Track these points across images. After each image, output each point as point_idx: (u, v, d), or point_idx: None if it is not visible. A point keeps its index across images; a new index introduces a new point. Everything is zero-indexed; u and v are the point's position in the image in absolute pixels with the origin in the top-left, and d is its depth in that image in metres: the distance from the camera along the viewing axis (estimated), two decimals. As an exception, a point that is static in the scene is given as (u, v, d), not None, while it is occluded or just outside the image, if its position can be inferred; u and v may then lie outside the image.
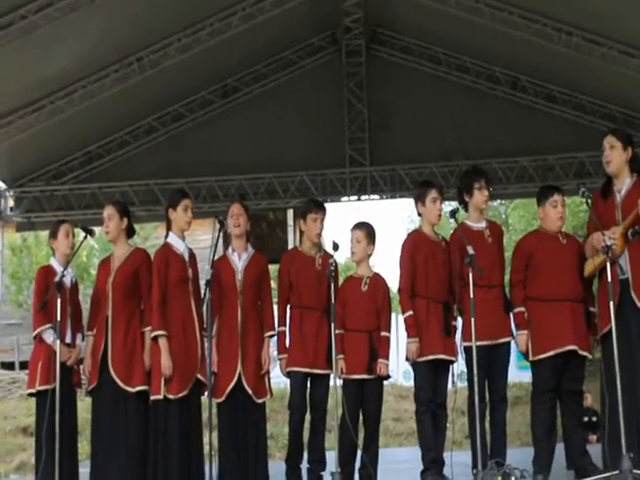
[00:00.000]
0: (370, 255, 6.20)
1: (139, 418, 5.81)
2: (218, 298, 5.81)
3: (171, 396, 5.66)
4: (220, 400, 5.76)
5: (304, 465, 5.96)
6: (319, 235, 6.22)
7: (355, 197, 11.13)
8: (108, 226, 6.08)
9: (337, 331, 5.62)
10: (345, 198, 11.14)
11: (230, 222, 6.02)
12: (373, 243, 6.12)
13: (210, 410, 5.44)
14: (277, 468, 6.03)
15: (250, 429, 5.87)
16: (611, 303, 5.22)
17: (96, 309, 6.02)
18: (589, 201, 5.53)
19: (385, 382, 6.08)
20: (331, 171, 10.95)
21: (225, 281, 5.93)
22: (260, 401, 5.93)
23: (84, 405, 6.12)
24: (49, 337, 5.89)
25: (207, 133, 11.04)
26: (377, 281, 6.09)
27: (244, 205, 6.21)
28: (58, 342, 5.65)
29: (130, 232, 6.23)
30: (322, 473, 5.91)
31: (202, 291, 5.76)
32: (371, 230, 6.11)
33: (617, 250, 5.32)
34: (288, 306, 6.13)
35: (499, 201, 23.48)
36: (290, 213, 11.85)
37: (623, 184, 5.50)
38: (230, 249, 6.10)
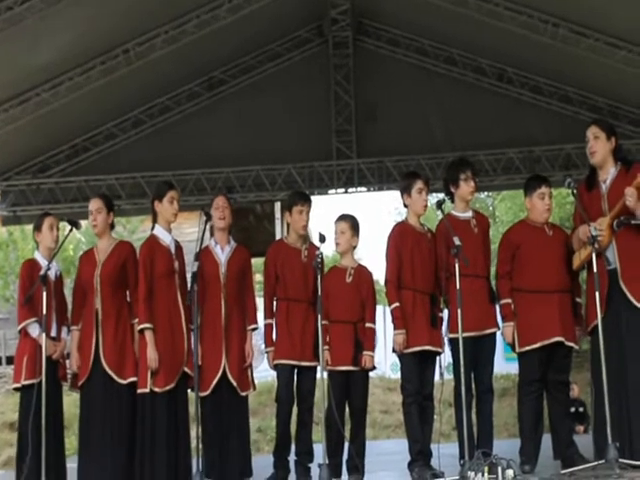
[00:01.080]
0: (355, 247, 6.20)
1: (130, 410, 5.81)
2: (201, 291, 5.78)
3: (157, 389, 5.67)
4: (205, 394, 5.74)
5: (292, 457, 5.96)
6: (305, 227, 6.21)
7: (342, 189, 11.12)
8: (96, 219, 6.06)
9: (322, 322, 5.60)
10: (332, 190, 11.13)
11: (215, 214, 6.01)
12: (357, 235, 6.12)
13: (197, 403, 5.44)
14: (265, 461, 6.04)
15: (234, 422, 5.86)
16: (597, 294, 5.24)
17: (81, 302, 6.01)
18: (575, 192, 5.54)
19: (372, 375, 6.08)
20: (318, 163, 10.94)
21: (208, 274, 5.90)
22: (244, 394, 5.93)
23: (70, 400, 6.10)
24: (34, 331, 5.88)
25: (194, 125, 11.00)
26: (361, 272, 6.09)
27: (228, 198, 6.20)
28: (44, 336, 5.63)
29: (112, 225, 6.21)
30: (310, 465, 5.91)
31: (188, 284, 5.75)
32: (355, 222, 6.11)
33: (604, 241, 5.33)
34: (274, 298, 6.11)
35: (486, 193, 23.49)
36: (277, 206, 11.85)
37: (608, 174, 5.51)
38: (212, 242, 6.09)
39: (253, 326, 6.02)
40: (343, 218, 6.11)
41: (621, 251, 5.38)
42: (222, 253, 6.04)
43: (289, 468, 5.93)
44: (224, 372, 5.83)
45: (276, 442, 6.01)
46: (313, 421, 6.04)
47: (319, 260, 5.63)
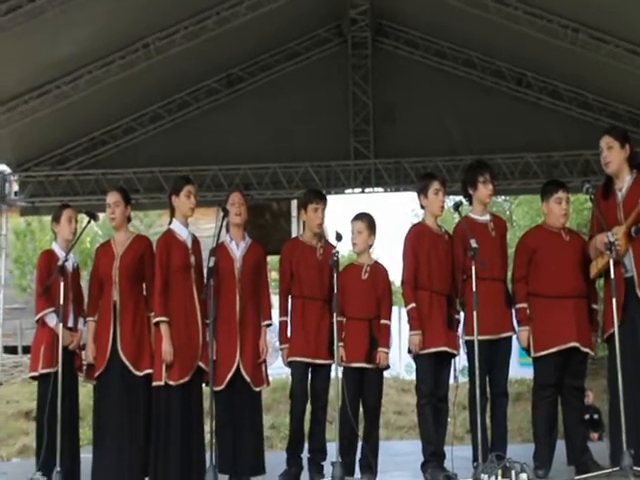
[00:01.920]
0: (371, 245, 6.19)
1: (146, 403, 5.83)
2: (217, 286, 5.78)
3: (172, 382, 5.67)
4: (219, 388, 5.75)
5: (305, 455, 5.96)
6: (320, 225, 6.20)
7: (359, 189, 11.15)
8: (114, 212, 6.08)
9: (338, 318, 5.59)
10: (349, 190, 11.16)
11: (231, 210, 6.00)
12: (374, 233, 6.11)
13: (212, 398, 5.45)
14: (279, 458, 6.03)
15: (247, 418, 5.86)
16: (614, 301, 5.22)
17: (97, 294, 6.02)
18: (593, 198, 5.52)
19: (387, 375, 6.07)
20: (336, 163, 10.97)
21: (223, 269, 5.90)
22: (257, 389, 5.92)
23: (85, 391, 6.12)
24: (52, 320, 5.91)
25: (212, 122, 11.06)
26: (377, 269, 6.08)
27: (244, 195, 6.21)
28: (60, 326, 5.64)
29: (129, 219, 6.24)
30: (323, 463, 5.90)
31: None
32: (371, 220, 6.09)
33: (621, 250, 5.31)
34: (289, 296, 6.12)
35: (503, 197, 23.45)
36: (294, 204, 11.87)
37: (623, 182, 5.49)
38: (228, 238, 6.08)
39: (268, 322, 6.02)
40: (359, 218, 6.10)
41: (638, 259, 5.36)
42: (237, 249, 6.05)
43: (302, 465, 5.92)
44: (238, 367, 5.84)
45: (289, 439, 6.01)
46: (327, 419, 6.03)
47: (335, 259, 5.61)
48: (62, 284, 5.65)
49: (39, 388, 5.94)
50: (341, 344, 5.76)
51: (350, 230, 6.08)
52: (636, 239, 5.33)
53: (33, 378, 5.99)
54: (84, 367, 6.08)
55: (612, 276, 5.24)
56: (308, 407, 5.98)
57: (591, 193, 5.49)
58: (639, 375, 5.24)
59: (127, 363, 5.83)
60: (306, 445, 5.99)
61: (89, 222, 6.11)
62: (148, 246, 6.10)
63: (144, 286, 6.06)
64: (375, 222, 6.12)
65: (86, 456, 5.97)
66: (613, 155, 5.49)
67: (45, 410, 5.63)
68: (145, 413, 5.82)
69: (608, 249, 5.23)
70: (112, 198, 6.12)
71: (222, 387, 5.77)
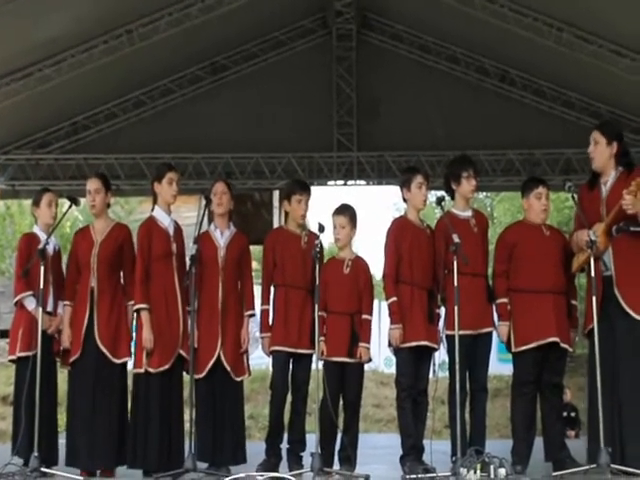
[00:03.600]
0: (352, 238, 6.19)
1: (121, 390, 5.86)
2: (199, 274, 5.77)
3: (152, 369, 5.67)
4: (199, 377, 5.73)
5: (284, 445, 5.96)
6: (304, 216, 6.19)
7: (342, 182, 11.15)
8: (94, 200, 6.04)
9: (319, 313, 5.59)
10: (332, 182, 11.15)
11: (214, 200, 5.99)
12: (355, 227, 6.10)
13: (192, 386, 5.44)
14: (257, 448, 6.03)
15: (228, 407, 5.86)
16: (594, 299, 5.25)
17: (75, 279, 6.00)
18: (575, 196, 5.55)
19: (366, 368, 6.06)
20: (318, 154, 10.95)
21: (207, 257, 5.89)
22: (239, 379, 5.92)
23: (64, 376, 6.10)
24: (30, 304, 5.89)
25: (195, 110, 11.00)
26: (359, 264, 6.08)
27: (228, 184, 6.18)
28: (40, 309, 5.61)
29: (108, 205, 6.21)
30: (302, 454, 5.91)
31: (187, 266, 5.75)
32: (353, 213, 6.09)
33: (600, 247, 5.34)
34: (272, 285, 6.11)
35: (485, 193, 23.58)
36: (276, 194, 11.84)
37: (608, 177, 5.52)
38: (212, 226, 6.08)
39: (250, 312, 6.01)
40: (342, 212, 6.07)
41: (617, 257, 5.39)
42: (221, 237, 6.04)
43: (281, 456, 5.92)
44: (219, 356, 5.83)
45: (269, 429, 6.00)
46: (307, 410, 6.03)
47: (318, 250, 5.61)
48: (42, 267, 5.60)
49: (17, 372, 5.92)
50: (322, 338, 5.77)
51: (332, 224, 6.06)
52: (617, 237, 5.36)
53: (12, 361, 5.97)
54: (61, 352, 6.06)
55: (592, 274, 5.27)
56: (288, 398, 5.99)
57: (573, 191, 5.51)
58: (616, 372, 5.28)
59: (104, 350, 5.81)
60: (285, 436, 5.99)
61: (70, 207, 6.07)
62: (127, 235, 6.09)
63: (122, 274, 6.04)
64: (356, 214, 6.12)
65: (64, 442, 5.95)
66: (597, 151, 5.53)
67: (22, 394, 5.59)
68: (120, 400, 5.83)
69: (589, 247, 5.26)
70: (93, 185, 6.08)
71: (203, 375, 5.76)
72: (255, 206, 11.50)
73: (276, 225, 10.63)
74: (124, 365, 5.86)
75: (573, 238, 5.62)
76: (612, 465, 4.90)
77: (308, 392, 5.95)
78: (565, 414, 11.70)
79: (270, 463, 5.81)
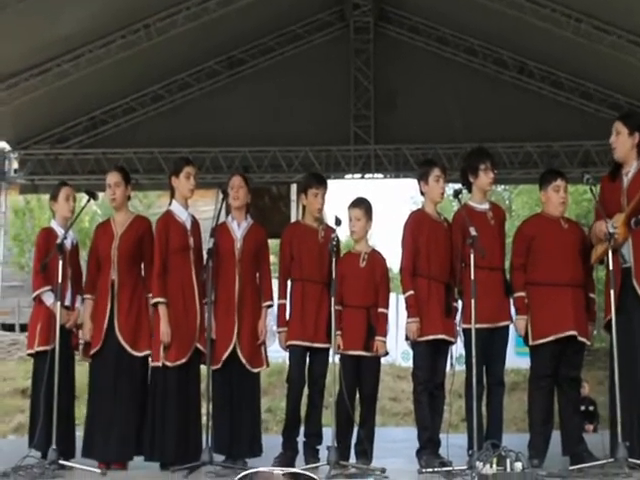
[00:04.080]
0: (367, 231, 6.18)
1: (141, 383, 5.87)
2: (216, 267, 5.77)
3: (169, 363, 5.69)
4: (215, 368, 5.74)
5: (301, 438, 5.97)
6: (320, 210, 6.18)
7: (359, 175, 11.14)
8: (115, 193, 6.07)
9: (335, 307, 5.58)
10: (349, 175, 11.15)
11: (230, 194, 6.00)
12: (371, 219, 6.09)
13: (209, 378, 5.46)
14: (274, 441, 6.04)
15: (244, 399, 5.87)
16: (612, 292, 5.22)
17: (95, 272, 6.03)
18: (593, 189, 5.52)
19: (383, 362, 6.06)
20: (336, 148, 10.95)
21: (224, 249, 5.89)
22: (255, 370, 5.93)
23: (83, 370, 6.13)
24: (48, 299, 5.91)
25: (213, 104, 11.02)
26: (375, 257, 6.07)
27: (245, 177, 6.18)
28: (58, 304, 5.63)
29: (128, 198, 6.24)
30: (318, 447, 5.92)
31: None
32: (369, 206, 6.07)
33: (619, 238, 5.31)
34: (289, 279, 6.11)
35: (503, 186, 23.52)
36: (293, 188, 11.86)
37: (631, 167, 5.49)
38: (230, 217, 6.09)
39: (269, 303, 6.00)
40: (357, 204, 6.06)
41: (636, 249, 5.37)
42: (238, 229, 6.04)
43: (297, 449, 5.93)
44: (234, 348, 5.84)
45: (285, 423, 6.01)
46: (323, 404, 6.04)
47: (334, 243, 5.60)
48: (60, 262, 5.61)
49: (35, 366, 5.95)
50: (339, 332, 5.77)
51: (348, 217, 6.06)
52: (636, 229, 5.33)
53: (30, 355, 6.01)
54: (80, 345, 6.10)
55: (610, 267, 5.24)
56: (305, 391, 5.99)
57: (591, 184, 5.48)
58: (635, 365, 5.25)
59: (123, 343, 5.86)
60: (302, 429, 6.00)
61: (88, 201, 6.09)
62: (148, 227, 6.11)
63: (142, 267, 6.07)
64: (372, 207, 6.11)
65: (81, 435, 5.99)
66: (619, 141, 5.50)
67: (41, 388, 5.62)
68: (140, 392, 5.85)
69: (607, 239, 5.23)
70: (113, 178, 6.11)
71: (219, 366, 5.78)
72: (272, 200, 11.53)
73: (293, 219, 10.66)
74: (145, 358, 5.87)
75: (592, 229, 5.59)
76: (630, 459, 4.87)
77: (325, 385, 5.95)
78: (583, 408, 11.62)
79: (286, 456, 5.81)
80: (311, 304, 5.93)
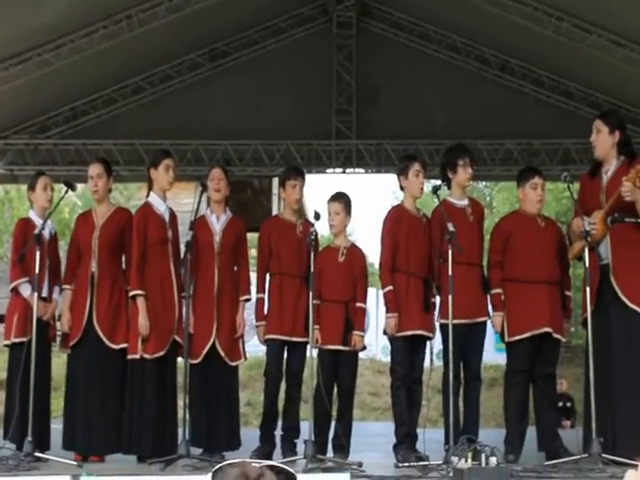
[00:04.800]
0: (346, 226, 6.19)
1: (119, 375, 5.85)
2: (195, 260, 5.77)
3: (147, 356, 5.68)
4: (194, 362, 5.75)
5: (278, 432, 5.98)
6: (298, 201, 6.18)
7: (340, 169, 11.14)
8: (97, 184, 6.05)
9: (314, 301, 5.58)
10: (330, 170, 11.15)
11: (210, 186, 5.99)
12: (350, 214, 6.10)
13: (186, 372, 5.45)
14: (253, 435, 6.04)
15: (222, 393, 5.88)
16: (587, 289, 5.26)
17: (75, 263, 6.02)
18: (571, 186, 5.55)
19: (363, 356, 6.09)
20: (317, 142, 10.95)
21: (203, 242, 5.89)
22: (234, 364, 5.94)
23: (60, 362, 6.11)
24: (25, 291, 5.88)
25: (194, 96, 10.98)
26: (354, 252, 6.09)
27: (225, 170, 6.18)
28: (35, 295, 5.61)
29: (109, 190, 6.21)
30: (296, 441, 5.93)
31: (182, 253, 5.75)
32: (348, 200, 6.08)
33: (597, 235, 5.34)
34: (267, 273, 6.11)
35: (484, 183, 23.60)
36: (275, 182, 11.82)
37: (610, 166, 5.52)
38: (209, 211, 6.09)
39: (246, 297, 6.01)
40: (336, 199, 6.07)
41: (614, 246, 5.40)
42: (217, 222, 6.04)
43: (275, 443, 5.94)
44: (214, 342, 5.84)
45: (263, 416, 6.02)
46: (301, 398, 6.05)
47: (313, 237, 5.60)
48: (38, 252, 5.60)
49: (10, 357, 5.92)
50: (317, 326, 5.77)
51: (327, 211, 6.07)
52: (613, 227, 5.36)
53: (6, 347, 5.97)
54: (58, 337, 6.07)
55: (587, 264, 5.27)
56: (283, 385, 6.00)
57: (569, 181, 5.51)
58: (611, 362, 5.29)
59: (101, 335, 5.83)
60: (280, 423, 6.01)
61: (66, 192, 6.07)
62: (129, 219, 6.08)
63: (123, 259, 6.06)
64: (351, 201, 6.12)
65: (58, 427, 5.96)
66: (599, 139, 5.52)
67: (16, 379, 5.59)
68: (118, 385, 5.83)
69: (584, 237, 5.26)
70: (95, 170, 6.09)
71: (198, 360, 5.77)
72: (254, 193, 11.50)
73: (275, 212, 10.63)
74: (123, 350, 5.84)
75: (570, 226, 5.63)
76: (604, 455, 4.91)
77: (302, 380, 5.96)
78: (561, 404, 11.73)
79: (264, 450, 5.82)
80: (289, 298, 5.94)
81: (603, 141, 5.51)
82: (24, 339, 5.72)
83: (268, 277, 6.09)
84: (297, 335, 5.89)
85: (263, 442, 5.90)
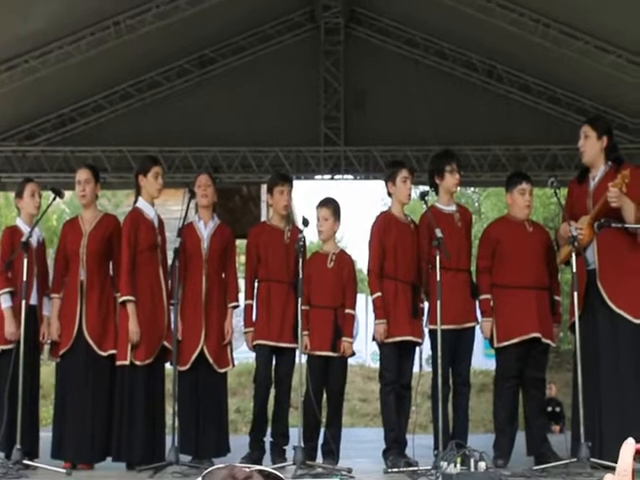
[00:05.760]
0: (335, 232, 6.20)
1: (109, 383, 5.84)
2: (183, 266, 5.77)
3: (138, 362, 5.67)
4: (182, 369, 5.74)
5: (268, 438, 5.98)
6: (286, 207, 6.19)
7: (329, 176, 11.15)
8: (84, 190, 6.04)
9: (302, 307, 5.60)
10: (319, 176, 11.15)
11: (198, 192, 5.99)
12: (339, 220, 6.11)
13: (175, 379, 5.45)
14: (242, 441, 6.05)
15: (211, 399, 5.88)
16: (575, 294, 5.28)
17: (63, 271, 6.00)
18: (558, 192, 5.57)
19: (353, 363, 6.10)
20: (306, 148, 10.95)
21: (190, 249, 5.90)
22: (222, 371, 5.94)
23: (48, 370, 6.09)
24: (5, 302, 5.87)
25: (183, 103, 10.95)
26: (343, 258, 6.10)
27: (212, 177, 6.19)
28: (23, 302, 5.58)
29: (96, 196, 6.21)
30: (285, 447, 5.93)
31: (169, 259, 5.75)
32: (337, 206, 6.09)
33: (583, 240, 5.36)
34: (255, 280, 6.11)
35: (472, 189, 23.66)
36: (264, 188, 11.80)
37: (598, 172, 5.55)
38: (197, 217, 6.09)
39: (234, 304, 6.02)
40: (325, 204, 6.08)
41: (601, 252, 5.43)
42: (205, 229, 6.04)
43: (265, 449, 5.95)
44: (202, 349, 5.84)
45: (252, 423, 6.03)
46: (290, 404, 6.05)
47: (301, 244, 5.60)
48: (26, 260, 5.58)
49: None
50: (306, 332, 5.78)
51: (315, 217, 6.07)
52: (600, 233, 5.39)
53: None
54: (47, 345, 6.04)
55: (574, 269, 5.29)
56: (272, 392, 6.00)
57: (556, 187, 5.52)
58: (598, 367, 5.31)
59: (91, 343, 5.82)
60: (269, 429, 6.00)
61: (54, 199, 6.06)
62: (116, 225, 6.09)
63: (111, 266, 6.04)
64: (340, 207, 6.13)
65: (46, 435, 5.94)
66: (588, 145, 5.54)
67: (4, 387, 5.58)
68: (108, 393, 5.81)
69: (571, 243, 5.28)
70: (83, 175, 6.08)
71: (186, 367, 5.77)
72: (243, 200, 11.50)
73: (264, 218, 10.64)
74: (112, 357, 5.83)
75: (558, 231, 5.66)
76: (592, 459, 4.93)
77: (291, 386, 5.97)
78: (550, 409, 11.74)
79: (254, 456, 5.82)
80: (277, 304, 5.94)
81: (591, 146, 5.54)
82: (11, 347, 5.70)
83: (256, 283, 6.09)
84: (285, 341, 5.90)
85: (253, 449, 5.90)
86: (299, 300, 5.52)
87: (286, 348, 5.91)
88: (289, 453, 5.70)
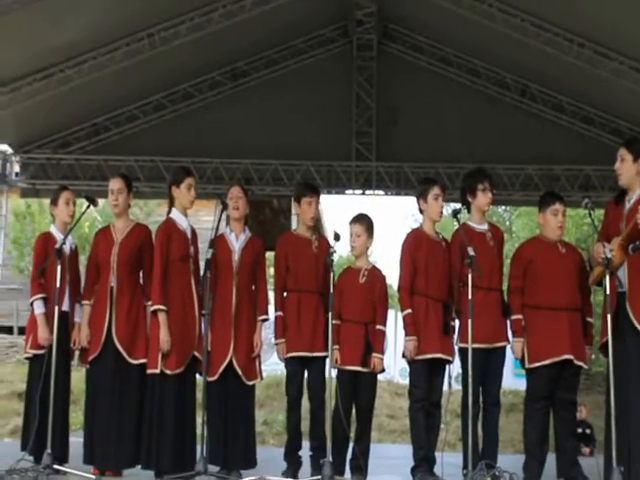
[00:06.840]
0: (369, 248, 6.19)
1: (138, 390, 5.84)
2: (214, 278, 5.76)
3: (168, 371, 5.67)
4: (211, 379, 5.74)
5: (304, 452, 5.94)
6: (313, 218, 6.16)
7: (360, 191, 11.16)
8: (117, 199, 6.08)
9: (333, 321, 5.58)
10: (350, 191, 11.17)
11: (230, 204, 6.01)
12: (372, 236, 6.09)
13: (204, 389, 5.45)
14: (270, 454, 6.04)
15: (239, 410, 5.87)
16: (608, 316, 5.24)
17: (94, 279, 6.03)
18: (592, 213, 5.53)
19: (381, 379, 6.06)
20: (337, 163, 10.99)
21: (221, 261, 5.90)
22: (250, 383, 5.93)
23: (79, 375, 6.12)
24: (38, 308, 5.92)
25: (215, 115, 11.05)
26: (375, 274, 6.07)
27: (244, 188, 6.19)
28: (56, 308, 5.63)
29: (129, 205, 6.25)
30: (323, 460, 5.89)
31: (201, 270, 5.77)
32: (370, 223, 6.07)
33: (615, 261, 5.32)
34: (285, 291, 6.10)
35: (503, 208, 23.60)
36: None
37: (634, 194, 5.51)
38: (228, 229, 6.09)
39: (264, 317, 6.01)
40: (358, 220, 6.06)
41: (631, 274, 5.37)
42: (236, 241, 6.04)
43: (301, 462, 5.92)
44: (231, 360, 5.84)
45: (288, 436, 5.96)
46: (325, 416, 5.98)
47: (331, 259, 5.60)
48: (59, 267, 5.64)
49: (30, 369, 5.96)
50: (336, 346, 5.76)
51: (349, 232, 6.07)
52: (634, 255, 5.34)
53: (27, 359, 6.02)
54: (77, 351, 6.08)
55: (607, 291, 5.25)
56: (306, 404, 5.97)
57: (590, 208, 5.50)
58: (629, 390, 5.25)
59: (121, 349, 5.84)
60: (307, 443, 5.95)
61: (88, 207, 6.12)
62: (148, 235, 6.12)
63: (141, 274, 6.07)
64: (373, 224, 6.11)
65: (77, 440, 5.97)
66: (624, 168, 5.50)
67: (36, 391, 5.62)
68: (137, 400, 5.83)
69: (604, 264, 5.24)
70: (116, 185, 6.12)
71: (215, 378, 5.77)
72: (273, 212, 11.52)
73: (293, 230, 10.67)
74: (142, 365, 5.83)
75: (591, 252, 5.62)
76: (623, 484, 4.87)
77: (325, 398, 5.92)
78: (580, 431, 11.65)
79: (291, 471, 5.82)
80: (307, 315, 5.93)
81: (628, 169, 5.50)
82: (43, 351, 5.75)
83: (285, 294, 6.08)
84: (317, 350, 5.87)
85: (289, 463, 5.89)
86: (329, 314, 5.50)
87: (317, 358, 5.88)
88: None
